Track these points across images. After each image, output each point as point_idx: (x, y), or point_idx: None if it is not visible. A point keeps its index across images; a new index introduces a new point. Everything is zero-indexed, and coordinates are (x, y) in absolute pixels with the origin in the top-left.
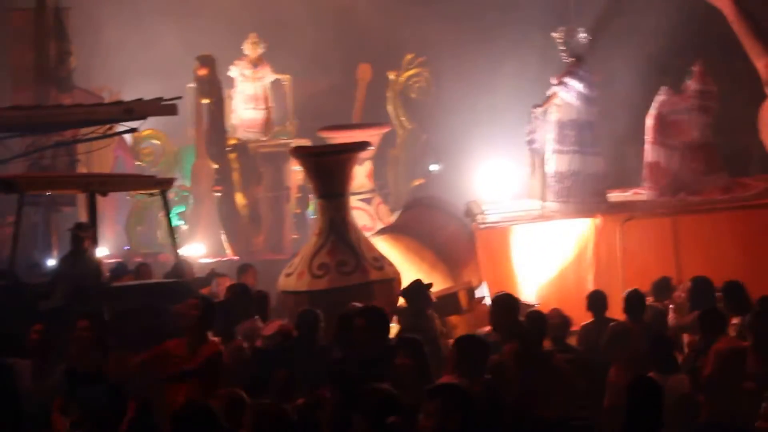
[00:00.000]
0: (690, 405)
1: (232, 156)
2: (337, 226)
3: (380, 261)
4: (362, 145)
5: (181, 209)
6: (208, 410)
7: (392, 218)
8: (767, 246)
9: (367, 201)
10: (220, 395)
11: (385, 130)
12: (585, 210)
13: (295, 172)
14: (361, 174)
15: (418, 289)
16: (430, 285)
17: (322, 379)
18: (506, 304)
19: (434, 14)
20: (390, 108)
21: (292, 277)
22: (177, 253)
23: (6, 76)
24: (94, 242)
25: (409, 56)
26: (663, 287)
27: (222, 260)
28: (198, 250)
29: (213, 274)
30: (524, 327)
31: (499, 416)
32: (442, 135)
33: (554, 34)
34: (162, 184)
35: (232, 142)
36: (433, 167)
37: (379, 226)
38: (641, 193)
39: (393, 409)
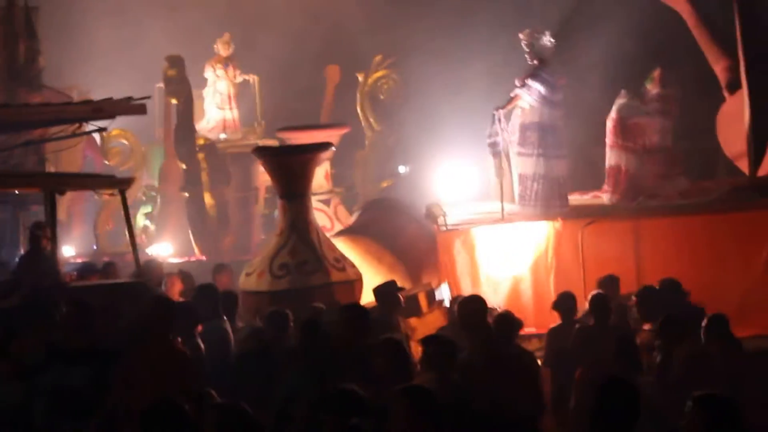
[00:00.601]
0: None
1: (201, 156)
2: (298, 227)
3: (341, 262)
4: (324, 146)
5: (149, 209)
6: (176, 408)
7: (351, 219)
8: (726, 250)
9: (326, 202)
10: (189, 394)
11: (344, 131)
12: (547, 213)
13: (264, 173)
14: (319, 175)
15: (390, 290)
16: (402, 288)
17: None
18: (474, 305)
19: (403, 16)
20: (358, 109)
21: (252, 276)
22: (136, 254)
23: None
24: (53, 242)
25: (377, 58)
26: (609, 285)
27: (190, 260)
28: (166, 249)
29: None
30: (493, 328)
31: (467, 417)
32: (410, 137)
33: (519, 36)
34: (121, 184)
35: (200, 142)
36: (402, 169)
37: (338, 227)
38: (601, 197)
39: (359, 409)
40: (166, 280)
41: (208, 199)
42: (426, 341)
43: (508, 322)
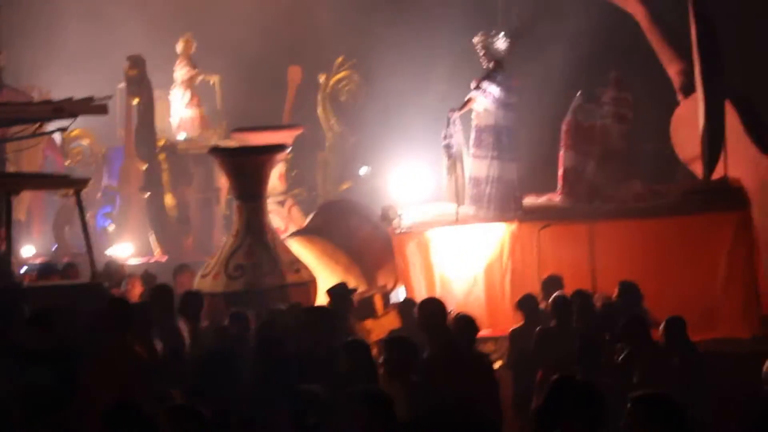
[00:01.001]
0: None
1: (162, 156)
2: (254, 228)
3: (296, 264)
4: (280, 147)
5: (108, 209)
6: (136, 409)
7: (305, 221)
8: (681, 254)
9: (281, 203)
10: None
11: (298, 131)
12: (501, 216)
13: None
14: (274, 176)
15: (342, 292)
16: (354, 290)
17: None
18: (434, 308)
19: (367, 18)
20: (319, 110)
21: (207, 278)
22: (92, 255)
23: None
24: (8, 242)
25: (339, 59)
26: (553, 285)
27: (150, 261)
28: (126, 250)
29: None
30: (452, 331)
31: (427, 419)
32: (372, 138)
33: (474, 39)
34: (77, 184)
35: (161, 142)
36: (363, 170)
37: (292, 228)
38: (555, 199)
39: (317, 409)
40: (126, 282)
41: (169, 199)
42: (388, 343)
43: (468, 324)
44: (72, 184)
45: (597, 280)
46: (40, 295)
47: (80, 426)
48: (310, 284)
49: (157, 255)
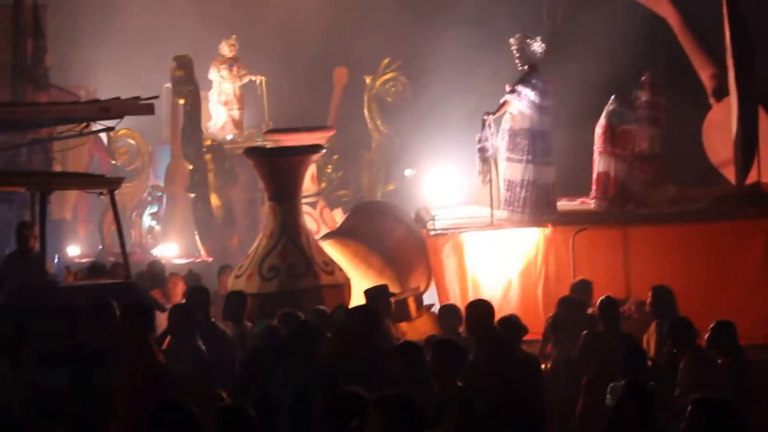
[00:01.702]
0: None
1: (208, 157)
2: (288, 229)
3: (331, 265)
4: (315, 148)
5: (155, 209)
6: (184, 411)
7: (337, 222)
8: (713, 259)
9: (312, 205)
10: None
11: (330, 133)
12: (535, 220)
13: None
14: (306, 177)
15: (381, 294)
16: (393, 294)
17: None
18: (482, 310)
19: (411, 20)
20: (366, 111)
21: (241, 278)
22: (125, 253)
23: None
24: (42, 241)
25: (385, 61)
26: (582, 290)
27: (195, 261)
28: (171, 250)
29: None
30: (500, 332)
31: (472, 422)
32: (417, 140)
33: (510, 41)
34: (111, 184)
35: (207, 142)
36: (408, 172)
37: (324, 230)
38: (588, 203)
39: (360, 411)
40: (168, 281)
41: (214, 199)
42: (437, 345)
43: (515, 325)
44: (106, 184)
45: (631, 284)
46: (73, 295)
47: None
48: (344, 286)
49: (203, 255)
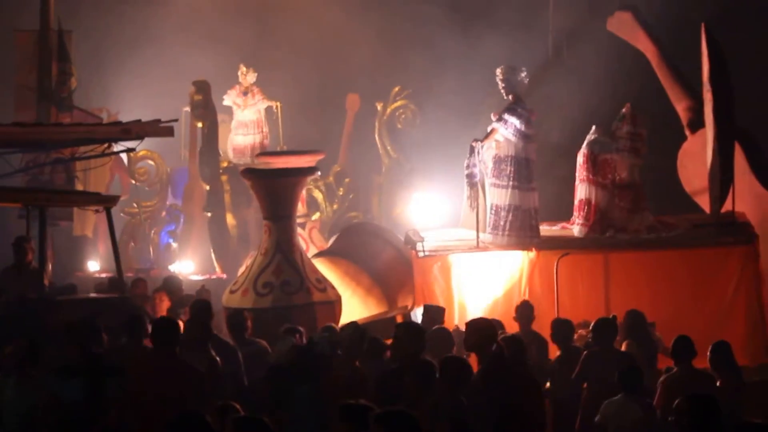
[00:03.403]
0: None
1: (224, 178)
2: (283, 247)
3: (323, 283)
4: (310, 170)
5: (172, 227)
6: (201, 421)
7: (324, 243)
8: (690, 284)
9: (301, 225)
10: (215, 407)
11: (320, 156)
12: (519, 243)
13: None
14: None
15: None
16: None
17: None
18: (485, 328)
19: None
20: (376, 137)
21: (236, 294)
22: (120, 269)
23: (9, 94)
24: (42, 255)
25: (396, 89)
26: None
27: (210, 278)
28: (188, 267)
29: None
30: (503, 350)
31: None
32: (426, 165)
33: (496, 71)
34: (107, 201)
35: (224, 164)
36: (416, 195)
37: (313, 249)
38: (569, 228)
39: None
40: (153, 296)
41: (229, 219)
42: (444, 362)
43: (518, 343)
44: (102, 201)
45: (611, 307)
46: (70, 309)
47: None
48: (335, 303)
49: (218, 272)
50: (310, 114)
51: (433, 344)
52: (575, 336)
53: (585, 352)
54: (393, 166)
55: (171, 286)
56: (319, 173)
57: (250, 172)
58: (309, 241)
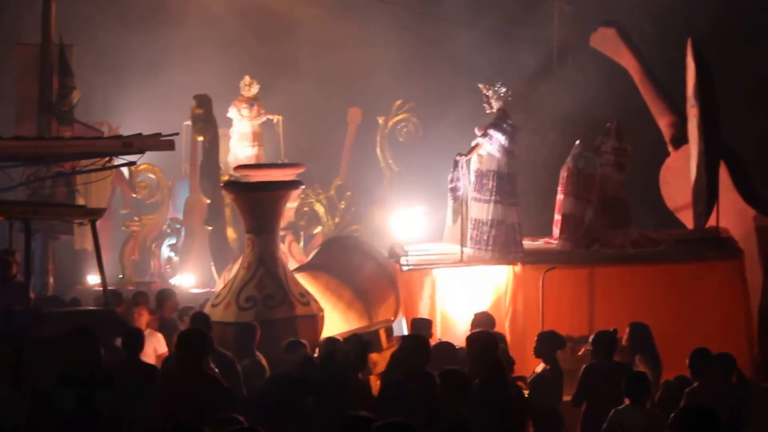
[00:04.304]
0: None
1: (225, 191)
2: (266, 261)
3: (306, 297)
4: (295, 184)
5: (173, 241)
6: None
7: (304, 256)
8: (674, 298)
9: (281, 239)
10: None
11: (300, 170)
12: (503, 258)
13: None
14: None
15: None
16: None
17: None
18: (485, 341)
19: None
20: (378, 151)
21: (218, 307)
22: (105, 283)
23: (11, 108)
24: (27, 268)
25: (398, 102)
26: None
27: (211, 291)
28: (188, 280)
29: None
30: (501, 364)
31: None
32: (427, 178)
33: (479, 86)
34: (92, 214)
35: (224, 178)
36: (419, 209)
37: (292, 263)
38: (552, 243)
39: None
40: (133, 310)
41: (230, 232)
42: (443, 376)
43: (508, 359)
44: (87, 214)
45: (595, 321)
46: (55, 321)
47: None
48: (318, 317)
49: (218, 286)
50: (312, 128)
51: (438, 357)
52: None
53: (584, 367)
54: (394, 179)
55: (162, 297)
56: (303, 187)
57: (232, 185)
58: (288, 254)
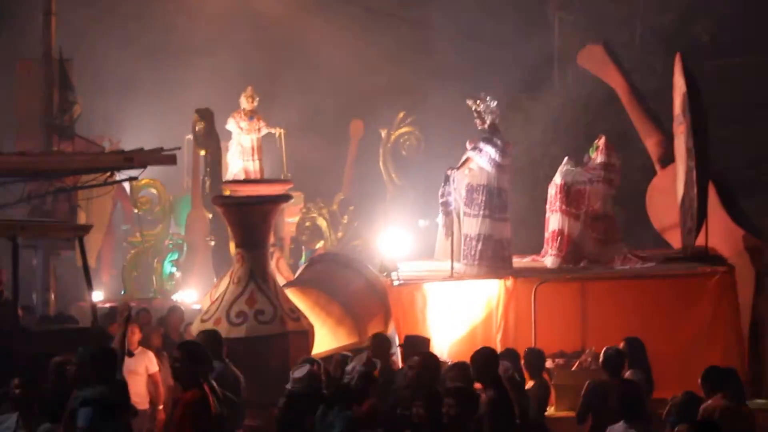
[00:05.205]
0: None
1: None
2: (256, 276)
3: (296, 312)
4: (285, 198)
5: (175, 256)
6: None
7: (291, 273)
8: (665, 313)
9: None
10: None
11: (288, 186)
12: (491, 273)
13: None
14: None
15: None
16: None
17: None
18: (488, 356)
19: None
20: (380, 164)
21: (208, 323)
22: (92, 300)
23: (11, 123)
24: (15, 286)
25: (400, 115)
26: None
27: None
28: (191, 296)
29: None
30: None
31: None
32: (430, 191)
33: (468, 102)
34: (79, 231)
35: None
36: (421, 223)
37: (279, 279)
38: (540, 260)
39: None
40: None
41: (232, 247)
42: (451, 393)
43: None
44: (74, 231)
45: (587, 336)
46: (45, 340)
47: None
48: (308, 333)
49: (205, 302)
50: (314, 141)
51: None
52: (552, 364)
53: (587, 383)
54: (397, 193)
55: (169, 318)
56: (291, 201)
57: (222, 200)
58: (276, 270)
